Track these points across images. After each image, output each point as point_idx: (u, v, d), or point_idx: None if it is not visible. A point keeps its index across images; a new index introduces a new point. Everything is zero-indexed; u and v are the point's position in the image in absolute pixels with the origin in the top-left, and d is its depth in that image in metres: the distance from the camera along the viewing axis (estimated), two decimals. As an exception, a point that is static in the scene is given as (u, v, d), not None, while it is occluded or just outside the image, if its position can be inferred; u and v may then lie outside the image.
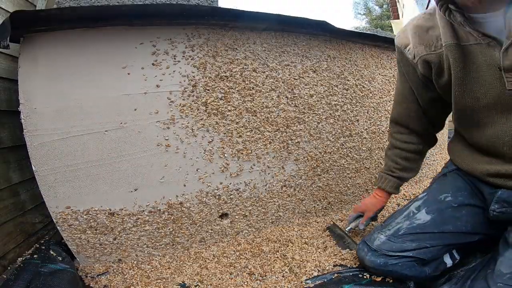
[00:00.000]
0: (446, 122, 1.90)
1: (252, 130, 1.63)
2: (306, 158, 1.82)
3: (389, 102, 2.19)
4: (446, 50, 1.05)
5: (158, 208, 1.50)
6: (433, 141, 1.47)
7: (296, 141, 1.78)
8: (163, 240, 1.54)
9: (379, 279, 1.24)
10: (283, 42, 1.72)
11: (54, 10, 1.22)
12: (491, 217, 1.14)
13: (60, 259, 1.40)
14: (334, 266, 1.40)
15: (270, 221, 1.79)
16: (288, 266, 1.41)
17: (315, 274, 1.34)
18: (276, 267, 1.41)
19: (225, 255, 1.56)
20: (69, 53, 1.28)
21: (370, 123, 2.09)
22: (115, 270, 1.45)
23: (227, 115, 1.57)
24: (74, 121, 1.29)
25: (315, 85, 1.82)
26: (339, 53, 1.93)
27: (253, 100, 1.63)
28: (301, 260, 1.45)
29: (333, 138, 1.91)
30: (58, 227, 1.38)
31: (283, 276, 1.35)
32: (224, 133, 1.57)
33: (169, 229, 1.54)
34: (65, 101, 1.28)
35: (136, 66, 1.38)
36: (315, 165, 1.86)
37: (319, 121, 1.84)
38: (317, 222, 1.86)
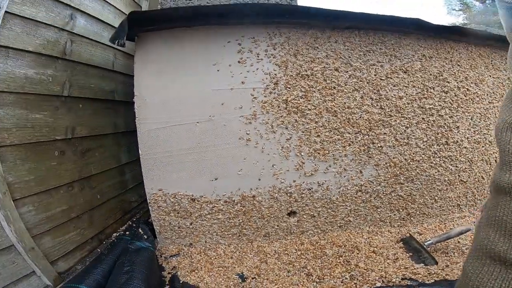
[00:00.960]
0: None
1: (331, 131, 1.57)
2: (388, 164, 1.65)
3: (502, 108, 1.81)
4: None
5: (233, 199, 1.58)
6: None
7: (379, 145, 1.63)
8: (231, 230, 1.62)
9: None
10: (368, 40, 1.61)
11: (160, 11, 1.42)
12: None
13: (146, 237, 1.59)
14: (402, 279, 1.24)
15: (338, 224, 1.68)
16: (349, 273, 1.31)
17: (378, 284, 1.22)
18: (336, 272, 1.33)
19: (286, 252, 1.54)
20: (171, 50, 1.48)
21: (474, 131, 1.77)
22: (185, 253, 1.58)
23: (307, 113, 1.55)
24: (173, 112, 1.48)
25: (406, 86, 1.65)
26: (436, 52, 1.70)
27: (334, 100, 1.57)
28: (365, 268, 1.33)
29: (423, 145, 1.68)
30: (149, 207, 1.58)
31: (342, 282, 1.26)
32: (303, 132, 1.56)
33: (239, 220, 1.60)
34: (167, 94, 1.48)
35: (224, 64, 1.50)
36: (398, 172, 1.67)
37: (408, 125, 1.65)
38: (390, 232, 1.68)
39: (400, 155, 1.66)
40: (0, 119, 1.15)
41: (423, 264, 1.35)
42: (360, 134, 1.60)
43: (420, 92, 1.66)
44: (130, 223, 1.82)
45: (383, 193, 1.69)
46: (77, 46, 1.56)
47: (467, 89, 1.74)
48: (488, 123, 1.80)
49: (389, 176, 1.67)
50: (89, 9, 1.64)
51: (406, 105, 1.64)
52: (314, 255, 1.50)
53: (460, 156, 1.76)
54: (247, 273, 1.40)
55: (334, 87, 1.57)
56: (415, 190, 1.72)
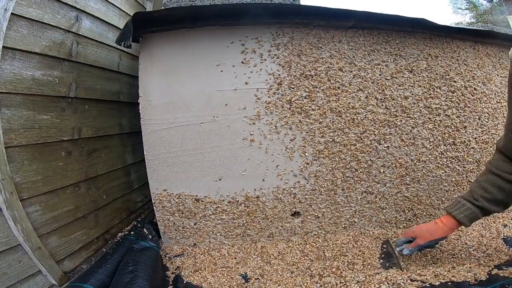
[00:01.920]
0: None
1: (335, 131, 1.56)
2: (394, 165, 1.64)
3: (510, 108, 1.79)
4: None
5: (237, 199, 1.58)
6: None
7: (385, 145, 1.61)
8: (235, 231, 1.61)
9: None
10: (373, 40, 1.60)
11: (164, 10, 1.43)
12: None
13: (150, 237, 1.60)
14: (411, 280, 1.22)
15: (343, 226, 1.67)
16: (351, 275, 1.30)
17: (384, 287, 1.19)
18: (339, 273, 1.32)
19: (290, 253, 1.53)
20: (175, 51, 1.48)
21: (481, 131, 1.74)
22: (189, 254, 1.58)
23: (311, 114, 1.54)
24: (178, 113, 1.49)
25: (411, 86, 1.63)
26: (442, 52, 1.68)
27: (339, 100, 1.56)
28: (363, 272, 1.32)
29: (430, 145, 1.66)
30: (154, 207, 1.59)
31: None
32: (307, 132, 1.55)
33: (243, 220, 1.60)
34: (172, 95, 1.48)
35: (227, 64, 1.50)
36: (403, 173, 1.65)
37: (414, 125, 1.63)
38: (396, 234, 1.66)
39: (406, 155, 1.65)
40: (7, 120, 1.17)
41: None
42: (365, 134, 1.59)
43: (426, 92, 1.64)
44: (135, 223, 1.84)
45: (389, 194, 1.67)
46: (83, 47, 1.58)
47: (474, 88, 1.72)
48: (496, 123, 1.77)
49: (394, 177, 1.66)
50: (94, 10, 1.66)
51: (412, 105, 1.62)
52: (318, 257, 1.49)
53: (467, 156, 1.73)
54: (250, 274, 1.40)
55: (338, 87, 1.56)
56: (422, 191, 1.70)
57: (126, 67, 1.98)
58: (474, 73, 1.72)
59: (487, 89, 1.74)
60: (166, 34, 1.47)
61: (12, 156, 1.17)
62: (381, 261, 1.44)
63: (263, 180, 1.57)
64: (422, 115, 1.64)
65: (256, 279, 1.36)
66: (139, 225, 1.73)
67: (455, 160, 1.72)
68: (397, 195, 1.68)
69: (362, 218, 1.68)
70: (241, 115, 1.52)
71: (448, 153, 1.70)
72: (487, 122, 1.75)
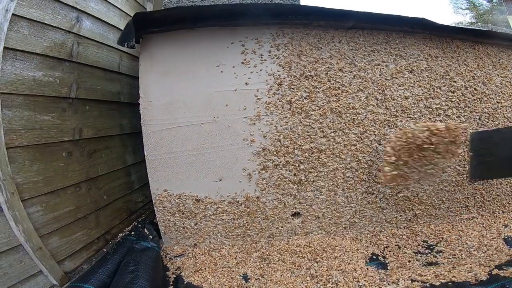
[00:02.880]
0: None
1: (336, 131, 1.57)
2: (394, 166, 1.64)
3: (510, 107, 1.78)
4: None
5: (237, 199, 1.58)
6: None
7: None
8: (236, 231, 1.61)
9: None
10: (373, 40, 1.60)
11: (165, 10, 1.43)
12: None
13: (151, 237, 1.60)
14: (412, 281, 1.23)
15: (343, 226, 1.67)
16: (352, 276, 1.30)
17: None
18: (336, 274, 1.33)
19: (290, 253, 1.53)
20: (175, 52, 1.48)
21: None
22: (189, 254, 1.58)
23: (311, 114, 1.54)
24: (178, 113, 1.49)
25: (412, 86, 1.63)
26: (442, 52, 1.68)
27: (339, 100, 1.56)
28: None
29: (430, 146, 1.66)
30: (154, 208, 1.59)
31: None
32: (307, 132, 1.55)
33: (243, 221, 1.60)
34: (172, 95, 1.49)
35: (227, 65, 1.50)
36: (404, 174, 1.65)
37: (414, 125, 1.63)
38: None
39: (406, 155, 1.64)
40: (9, 120, 1.17)
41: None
42: (365, 135, 1.59)
43: (426, 92, 1.64)
44: (136, 223, 1.84)
45: (389, 194, 1.67)
46: (84, 48, 1.58)
47: (475, 88, 1.72)
48: (497, 123, 1.77)
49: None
50: (94, 11, 1.66)
51: (412, 105, 1.63)
52: (319, 256, 1.49)
53: (468, 156, 1.73)
54: (250, 274, 1.40)
55: (339, 88, 1.56)
56: (422, 191, 1.70)
57: (126, 67, 1.98)
58: (474, 73, 1.72)
59: (487, 89, 1.74)
60: (167, 35, 1.47)
61: (13, 157, 1.18)
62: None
63: (264, 180, 1.57)
64: (422, 115, 1.64)
65: (256, 279, 1.36)
66: (140, 225, 1.73)
67: (456, 160, 1.71)
68: (397, 195, 1.68)
69: (363, 218, 1.68)
70: (241, 115, 1.52)
71: (448, 153, 1.69)
72: (487, 122, 1.75)
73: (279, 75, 1.53)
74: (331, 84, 1.56)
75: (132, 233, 1.67)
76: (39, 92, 1.30)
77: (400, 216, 1.71)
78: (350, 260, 1.43)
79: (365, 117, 1.58)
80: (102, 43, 1.73)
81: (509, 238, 1.55)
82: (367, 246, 1.57)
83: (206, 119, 1.50)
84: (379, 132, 1.60)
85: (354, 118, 1.57)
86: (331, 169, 1.59)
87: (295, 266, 1.43)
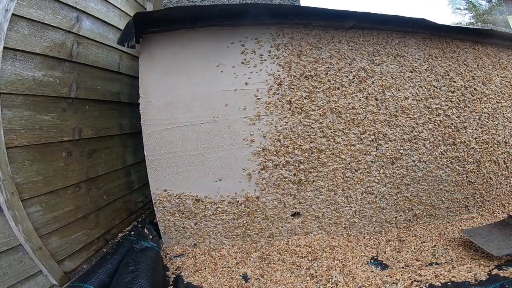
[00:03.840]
0: None
1: (335, 131, 1.57)
2: (394, 165, 1.64)
3: (510, 107, 1.79)
4: None
5: (237, 199, 1.58)
6: None
7: (386, 146, 1.62)
8: (235, 231, 1.62)
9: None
10: (373, 40, 1.61)
11: (165, 10, 1.44)
12: None
13: (151, 237, 1.60)
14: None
15: (343, 226, 1.67)
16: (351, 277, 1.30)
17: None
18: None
19: (290, 253, 1.53)
20: (175, 52, 1.48)
21: (481, 131, 1.74)
22: (189, 254, 1.58)
23: (311, 114, 1.55)
24: (178, 113, 1.49)
25: (412, 86, 1.63)
26: (442, 52, 1.69)
27: (339, 100, 1.56)
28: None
29: (430, 145, 1.66)
30: (154, 208, 1.59)
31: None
32: (307, 132, 1.55)
33: (243, 221, 1.60)
34: (172, 95, 1.49)
35: (227, 65, 1.50)
36: (404, 173, 1.65)
37: (414, 126, 1.63)
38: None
39: (406, 156, 1.65)
40: (8, 120, 1.17)
41: None
42: (365, 135, 1.59)
43: (426, 92, 1.64)
44: (136, 223, 1.83)
45: (389, 194, 1.67)
46: (84, 48, 1.58)
47: (474, 88, 1.72)
48: (496, 123, 1.77)
49: (395, 177, 1.66)
50: (94, 11, 1.66)
51: (412, 105, 1.63)
52: (318, 257, 1.49)
53: (467, 156, 1.73)
54: (250, 274, 1.40)
55: (338, 88, 1.57)
56: (422, 191, 1.70)
57: (126, 67, 1.98)
58: (474, 73, 1.72)
59: (487, 89, 1.75)
60: (167, 35, 1.47)
61: (13, 157, 1.17)
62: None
63: (264, 180, 1.57)
64: (422, 115, 1.64)
65: (256, 279, 1.36)
66: (140, 225, 1.73)
67: (455, 160, 1.72)
68: (397, 195, 1.68)
69: (362, 218, 1.68)
70: (241, 115, 1.52)
71: (448, 153, 1.70)
72: (487, 122, 1.75)
73: (279, 75, 1.53)
74: (331, 84, 1.56)
75: (132, 233, 1.67)
76: (39, 92, 1.30)
77: (400, 216, 1.72)
78: (350, 260, 1.43)
79: (365, 117, 1.59)
80: (102, 43, 1.73)
81: (509, 238, 1.54)
82: (366, 246, 1.57)
83: (206, 119, 1.50)
84: (378, 132, 1.60)
85: (354, 118, 1.57)
86: (331, 169, 1.59)
87: (295, 266, 1.43)
